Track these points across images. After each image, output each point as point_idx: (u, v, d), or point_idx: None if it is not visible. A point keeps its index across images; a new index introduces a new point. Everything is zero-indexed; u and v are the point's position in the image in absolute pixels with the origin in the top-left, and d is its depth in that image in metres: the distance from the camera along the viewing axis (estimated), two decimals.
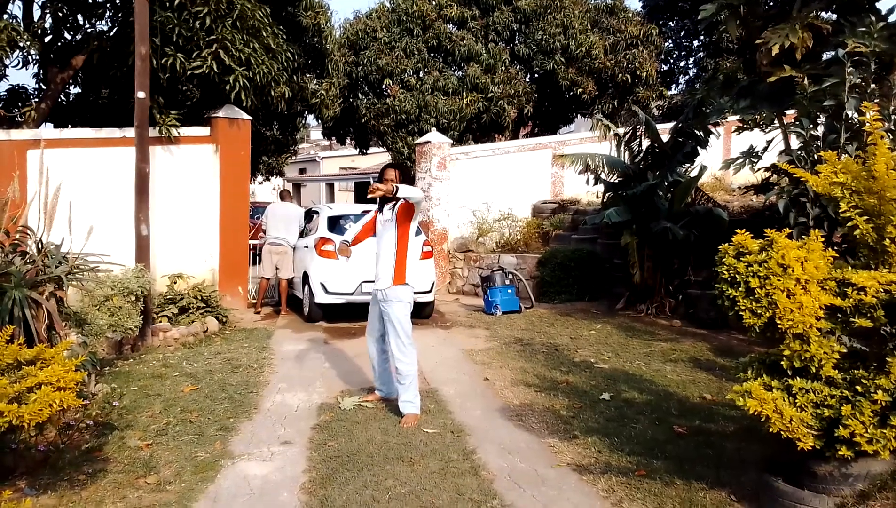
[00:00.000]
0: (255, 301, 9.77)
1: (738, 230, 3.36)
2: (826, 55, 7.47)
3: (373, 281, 5.05)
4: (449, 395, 5.51)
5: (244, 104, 8.96)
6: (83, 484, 3.72)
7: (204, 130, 9.35)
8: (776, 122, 7.54)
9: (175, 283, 8.29)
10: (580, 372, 6.13)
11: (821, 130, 7.08)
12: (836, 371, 3.10)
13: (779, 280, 3.11)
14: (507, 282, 9.64)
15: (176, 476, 3.90)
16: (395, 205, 4.94)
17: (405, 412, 4.82)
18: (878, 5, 7.28)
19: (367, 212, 5.07)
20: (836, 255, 3.38)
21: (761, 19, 7.82)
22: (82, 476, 3.82)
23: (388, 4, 16.79)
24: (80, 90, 10.70)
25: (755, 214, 9.14)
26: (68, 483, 3.72)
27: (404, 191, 4.62)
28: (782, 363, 3.20)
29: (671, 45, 20.57)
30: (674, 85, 20.91)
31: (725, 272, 3.30)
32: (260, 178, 21.94)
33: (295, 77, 10.78)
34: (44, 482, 3.71)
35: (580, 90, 16.11)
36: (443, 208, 12.15)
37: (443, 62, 16.24)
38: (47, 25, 9.14)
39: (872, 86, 6.49)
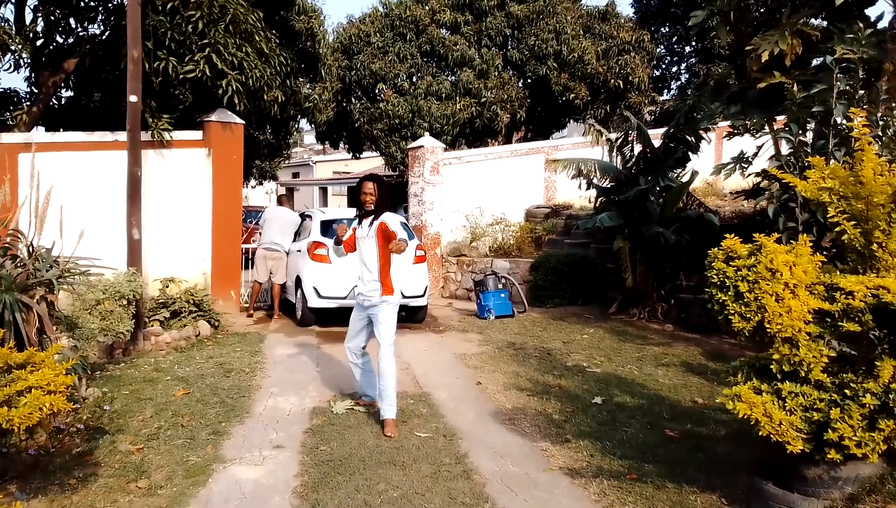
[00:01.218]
0: (247, 305, 9.75)
1: (728, 235, 3.38)
2: (815, 61, 7.55)
3: None
4: (441, 399, 5.52)
5: (237, 108, 8.97)
6: (74, 489, 3.70)
7: (196, 134, 9.34)
8: (766, 127, 7.60)
9: (167, 287, 8.27)
10: (572, 376, 6.15)
11: (810, 135, 7.13)
12: (825, 375, 3.12)
13: (767, 285, 3.13)
14: (500, 286, 9.66)
15: (167, 480, 3.88)
16: (373, 222, 4.80)
17: (390, 416, 4.70)
18: (866, 12, 7.34)
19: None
20: (825, 259, 3.41)
21: (751, 26, 7.88)
22: (73, 480, 3.80)
23: (381, 9, 16.85)
24: (72, 94, 10.69)
25: (746, 218, 9.19)
26: (59, 487, 3.70)
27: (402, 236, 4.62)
28: (772, 366, 3.22)
29: (663, 50, 20.69)
30: (665, 90, 21.00)
31: (715, 277, 3.32)
32: (253, 182, 21.96)
33: (288, 81, 10.80)
34: (34, 486, 3.69)
35: (573, 95, 16.20)
36: (436, 213, 12.16)
37: (436, 67, 16.29)
38: (39, 29, 9.12)
39: (860, 92, 6.55)
